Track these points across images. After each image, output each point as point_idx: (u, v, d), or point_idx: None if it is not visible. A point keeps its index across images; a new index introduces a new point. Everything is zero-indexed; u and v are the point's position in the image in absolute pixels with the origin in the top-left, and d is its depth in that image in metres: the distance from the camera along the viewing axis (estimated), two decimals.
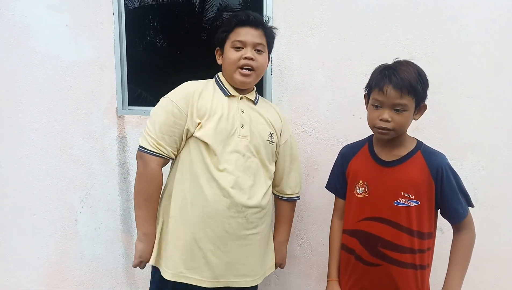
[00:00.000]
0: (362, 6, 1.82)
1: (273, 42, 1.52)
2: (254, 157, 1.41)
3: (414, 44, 1.82)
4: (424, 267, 1.31)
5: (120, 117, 1.96)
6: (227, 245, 1.37)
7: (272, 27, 1.51)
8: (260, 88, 1.94)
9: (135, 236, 2.00)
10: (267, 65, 1.53)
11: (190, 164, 1.38)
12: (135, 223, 1.98)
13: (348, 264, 1.39)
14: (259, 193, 1.41)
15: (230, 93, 1.44)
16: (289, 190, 1.59)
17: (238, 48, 1.40)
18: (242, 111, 1.42)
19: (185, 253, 1.37)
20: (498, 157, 1.84)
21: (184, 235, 1.37)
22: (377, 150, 1.35)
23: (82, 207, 2.02)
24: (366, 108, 1.34)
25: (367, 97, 1.33)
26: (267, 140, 1.44)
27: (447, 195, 1.27)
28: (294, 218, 1.95)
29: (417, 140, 1.35)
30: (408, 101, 1.20)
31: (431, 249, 1.33)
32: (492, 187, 1.85)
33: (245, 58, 1.38)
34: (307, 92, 1.88)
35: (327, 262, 1.93)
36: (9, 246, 2.07)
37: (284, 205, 1.64)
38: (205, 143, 1.34)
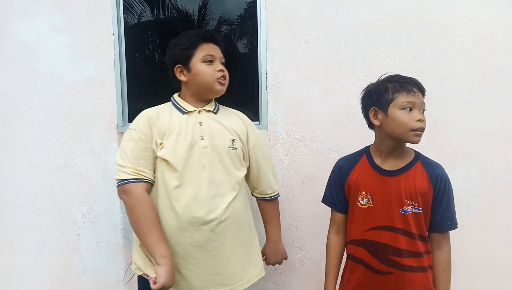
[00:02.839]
0: (352, 22, 1.89)
1: None
2: (216, 167, 1.43)
3: (404, 57, 1.88)
4: (431, 267, 1.35)
5: (121, 133, 2.02)
6: (195, 257, 1.40)
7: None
8: (255, 103, 2.00)
9: None
10: None
11: (155, 185, 1.43)
12: (136, 238, 2.04)
13: (355, 272, 1.41)
14: (223, 203, 1.42)
15: (186, 110, 1.49)
16: (269, 189, 1.65)
17: (210, 62, 1.48)
18: (201, 124, 1.47)
19: None
20: (489, 165, 1.88)
21: None
22: (377, 161, 1.38)
23: (84, 222, 2.06)
24: (375, 121, 1.33)
25: (382, 107, 1.30)
26: (229, 147, 1.47)
27: (441, 203, 1.33)
28: (291, 229, 2.00)
29: (414, 150, 1.40)
30: None
31: (430, 252, 1.36)
32: (484, 195, 1.89)
33: (220, 70, 1.49)
34: (301, 106, 1.94)
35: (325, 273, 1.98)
36: (13, 261, 2.10)
37: (268, 206, 1.68)
38: (166, 161, 1.39)
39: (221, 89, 1.51)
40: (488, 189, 1.88)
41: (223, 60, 1.54)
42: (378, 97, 1.31)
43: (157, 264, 1.31)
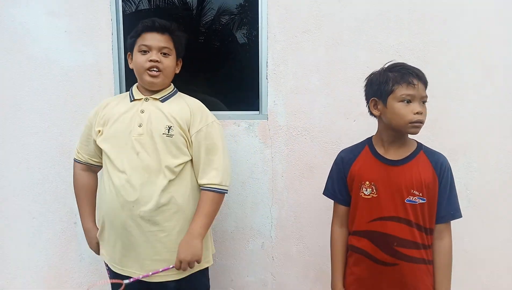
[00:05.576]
0: (354, 12, 1.86)
1: (182, 46, 1.58)
2: (150, 154, 1.45)
3: (406, 48, 1.85)
4: (431, 262, 1.34)
5: None
6: (129, 240, 1.47)
7: (180, 32, 1.56)
8: (255, 92, 1.98)
9: None
10: (177, 67, 1.59)
11: (103, 167, 1.56)
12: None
13: (357, 265, 1.39)
14: (155, 190, 1.43)
15: (134, 97, 1.53)
16: (204, 179, 1.51)
17: (144, 52, 1.48)
18: (142, 111, 1.49)
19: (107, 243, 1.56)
20: (489, 158, 1.88)
21: (102, 228, 1.56)
22: (381, 151, 1.37)
23: None
24: (374, 112, 1.33)
25: (381, 98, 1.29)
26: (163, 133, 1.46)
27: (445, 192, 1.32)
28: (290, 220, 1.98)
29: (416, 140, 1.39)
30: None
31: (432, 245, 1.35)
32: (484, 187, 1.88)
33: (151, 60, 1.46)
34: (302, 96, 1.92)
35: (324, 263, 1.97)
36: (9, 249, 2.09)
37: (201, 195, 1.53)
38: (102, 148, 1.49)
39: (150, 80, 1.48)
40: (489, 182, 1.88)
41: (166, 50, 1.49)
42: (378, 87, 1.30)
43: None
